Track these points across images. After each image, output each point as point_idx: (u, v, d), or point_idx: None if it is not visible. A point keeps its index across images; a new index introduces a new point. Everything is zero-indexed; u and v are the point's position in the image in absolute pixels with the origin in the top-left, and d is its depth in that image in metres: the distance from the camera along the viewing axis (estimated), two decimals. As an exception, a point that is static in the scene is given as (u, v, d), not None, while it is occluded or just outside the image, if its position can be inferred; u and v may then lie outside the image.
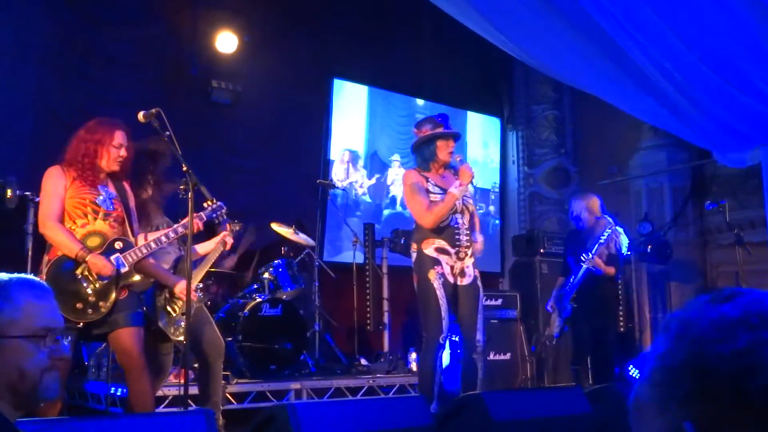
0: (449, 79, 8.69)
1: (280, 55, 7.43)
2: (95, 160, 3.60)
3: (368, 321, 6.81)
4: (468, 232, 4.48)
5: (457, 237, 4.42)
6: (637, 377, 0.75)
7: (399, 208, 8.38)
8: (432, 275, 4.34)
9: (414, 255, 4.49)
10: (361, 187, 8.11)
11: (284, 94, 7.51)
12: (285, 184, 7.41)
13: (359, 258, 6.84)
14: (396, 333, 7.47)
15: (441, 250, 4.39)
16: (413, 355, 6.39)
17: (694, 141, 7.37)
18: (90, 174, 3.59)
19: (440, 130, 4.54)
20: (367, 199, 8.17)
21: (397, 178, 8.36)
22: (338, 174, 7.89)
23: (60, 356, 1.51)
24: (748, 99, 5.78)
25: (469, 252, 4.47)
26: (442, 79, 8.65)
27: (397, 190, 8.33)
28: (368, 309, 6.82)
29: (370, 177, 8.19)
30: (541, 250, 7.62)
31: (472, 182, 4.48)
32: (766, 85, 5.56)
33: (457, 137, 4.70)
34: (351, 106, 8.15)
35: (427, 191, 4.42)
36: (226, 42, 7.15)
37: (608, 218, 5.75)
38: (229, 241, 4.44)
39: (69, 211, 3.55)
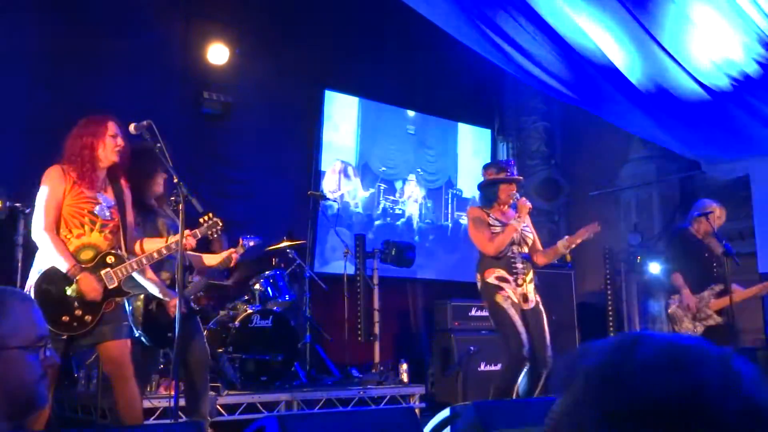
0: (440, 90, 8.73)
1: (272, 67, 7.45)
2: (94, 153, 3.58)
3: (359, 332, 6.80)
4: (524, 260, 4.93)
5: (513, 265, 4.88)
6: None
7: (400, 222, 8.41)
8: (499, 298, 4.80)
9: (479, 284, 4.96)
10: (353, 198, 8.12)
11: (275, 105, 7.53)
12: (276, 195, 7.41)
13: (350, 269, 6.84)
14: (387, 344, 7.47)
15: (501, 278, 4.85)
16: (404, 366, 6.39)
17: (683, 153, 7.45)
18: (90, 170, 3.56)
19: (503, 175, 5.00)
20: (359, 210, 8.18)
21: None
22: (330, 185, 7.90)
23: (50, 363, 1.52)
24: (736, 111, 5.84)
25: (528, 278, 4.92)
26: (433, 90, 8.69)
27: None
28: (359, 320, 6.82)
29: (364, 189, 8.21)
30: (532, 261, 7.64)
31: (529, 214, 5.00)
32: (753, 98, 5.62)
33: (519, 182, 5.13)
34: (342, 117, 8.17)
35: (488, 224, 4.89)
36: (218, 53, 7.16)
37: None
38: (235, 257, 4.39)
39: (66, 219, 3.53)
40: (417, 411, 5.67)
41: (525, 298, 4.87)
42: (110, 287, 3.55)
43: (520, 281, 4.86)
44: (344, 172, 8.10)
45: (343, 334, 6.64)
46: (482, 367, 6.77)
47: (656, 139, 7.25)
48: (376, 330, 6.89)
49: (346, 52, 7.94)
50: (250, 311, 5.59)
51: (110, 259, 3.59)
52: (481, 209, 5.03)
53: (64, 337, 3.46)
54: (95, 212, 3.58)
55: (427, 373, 7.34)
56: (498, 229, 4.88)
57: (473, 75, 8.71)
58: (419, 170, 8.67)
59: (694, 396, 0.64)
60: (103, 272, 3.54)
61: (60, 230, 3.52)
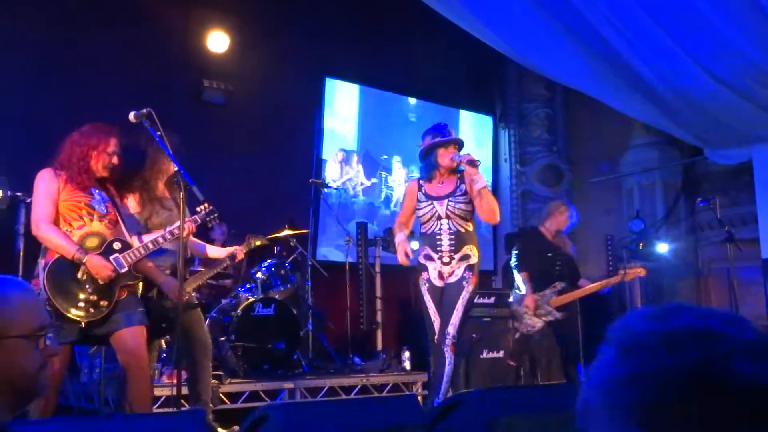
0: (441, 77, 8.69)
1: (272, 55, 7.42)
2: (89, 164, 3.61)
3: (361, 320, 6.80)
4: (452, 237, 4.65)
5: (438, 243, 4.68)
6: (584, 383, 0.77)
7: (394, 208, 8.39)
8: (420, 280, 4.74)
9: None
10: (353, 187, 8.10)
11: (276, 93, 7.50)
12: (277, 183, 7.40)
13: (352, 257, 6.84)
14: (389, 332, 7.47)
15: (427, 257, 4.73)
16: (406, 354, 6.39)
17: (685, 138, 7.42)
18: (84, 177, 3.60)
19: (438, 139, 4.78)
20: (361, 198, 8.16)
21: (397, 177, 8.50)
22: (332, 173, 7.88)
23: (51, 353, 1.52)
24: (738, 97, 5.81)
25: (457, 256, 4.64)
26: (434, 77, 8.65)
27: (399, 190, 8.45)
28: (361, 308, 6.81)
29: (367, 177, 8.19)
30: (534, 248, 7.61)
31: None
32: (756, 83, 5.59)
33: (459, 144, 4.82)
34: (343, 105, 8.14)
35: (417, 200, 4.78)
36: (218, 41, 7.13)
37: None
38: (240, 256, 4.45)
39: (64, 214, 3.56)
40: (420, 398, 5.68)
41: (452, 274, 4.63)
42: (121, 272, 3.57)
43: (446, 259, 4.63)
44: (346, 161, 8.08)
45: (345, 322, 6.64)
46: (485, 355, 6.76)
47: (658, 124, 7.22)
48: (379, 318, 6.89)
49: (346, 39, 7.90)
50: (252, 299, 5.59)
51: (117, 245, 3.61)
52: (416, 182, 4.86)
53: (83, 325, 3.47)
54: (92, 205, 3.61)
55: (429, 360, 7.34)
56: (423, 205, 4.70)
57: (475, 62, 8.67)
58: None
59: (702, 366, 0.68)
60: (111, 258, 3.56)
61: (59, 225, 3.54)
